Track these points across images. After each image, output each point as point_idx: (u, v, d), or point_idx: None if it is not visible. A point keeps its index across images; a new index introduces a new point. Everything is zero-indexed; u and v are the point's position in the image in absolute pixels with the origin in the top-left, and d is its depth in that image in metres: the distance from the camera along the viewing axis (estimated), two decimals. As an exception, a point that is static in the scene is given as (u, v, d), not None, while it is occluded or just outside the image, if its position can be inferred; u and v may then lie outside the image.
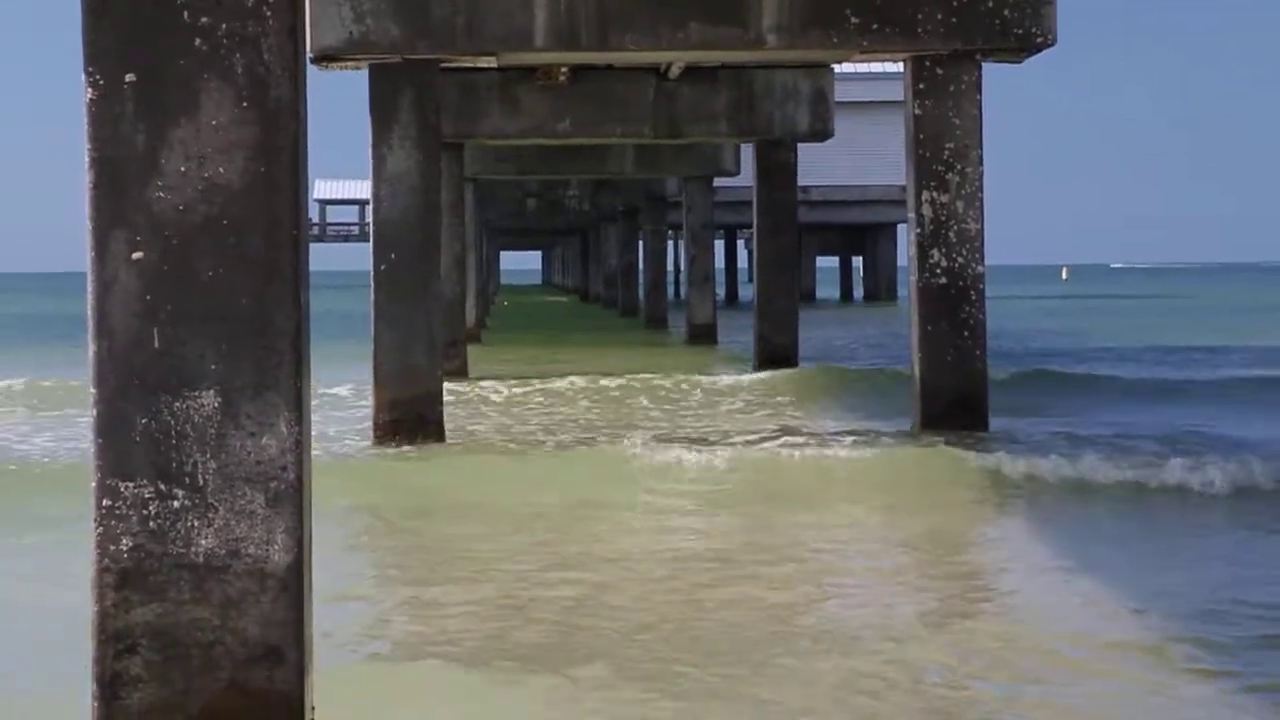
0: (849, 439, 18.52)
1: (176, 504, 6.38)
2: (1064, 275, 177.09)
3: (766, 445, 18.34)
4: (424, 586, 11.45)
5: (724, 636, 9.70)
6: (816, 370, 29.00)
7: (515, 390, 26.37)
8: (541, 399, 25.37)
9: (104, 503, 6.36)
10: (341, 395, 25.75)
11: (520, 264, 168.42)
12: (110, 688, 6.36)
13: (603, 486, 15.93)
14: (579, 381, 27.45)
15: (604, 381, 27.44)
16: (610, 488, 15.90)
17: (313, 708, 6.65)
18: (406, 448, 18.52)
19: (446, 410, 19.72)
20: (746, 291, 57.10)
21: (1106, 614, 10.14)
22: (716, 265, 46.60)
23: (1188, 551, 12.81)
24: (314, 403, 15.24)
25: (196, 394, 6.38)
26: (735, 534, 13.70)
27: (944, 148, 18.65)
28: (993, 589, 11.48)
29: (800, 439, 18.98)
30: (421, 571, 12.18)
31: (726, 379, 27.67)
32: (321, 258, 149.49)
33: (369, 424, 19.31)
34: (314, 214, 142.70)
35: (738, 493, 15.74)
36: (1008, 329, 48.52)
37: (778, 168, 30.26)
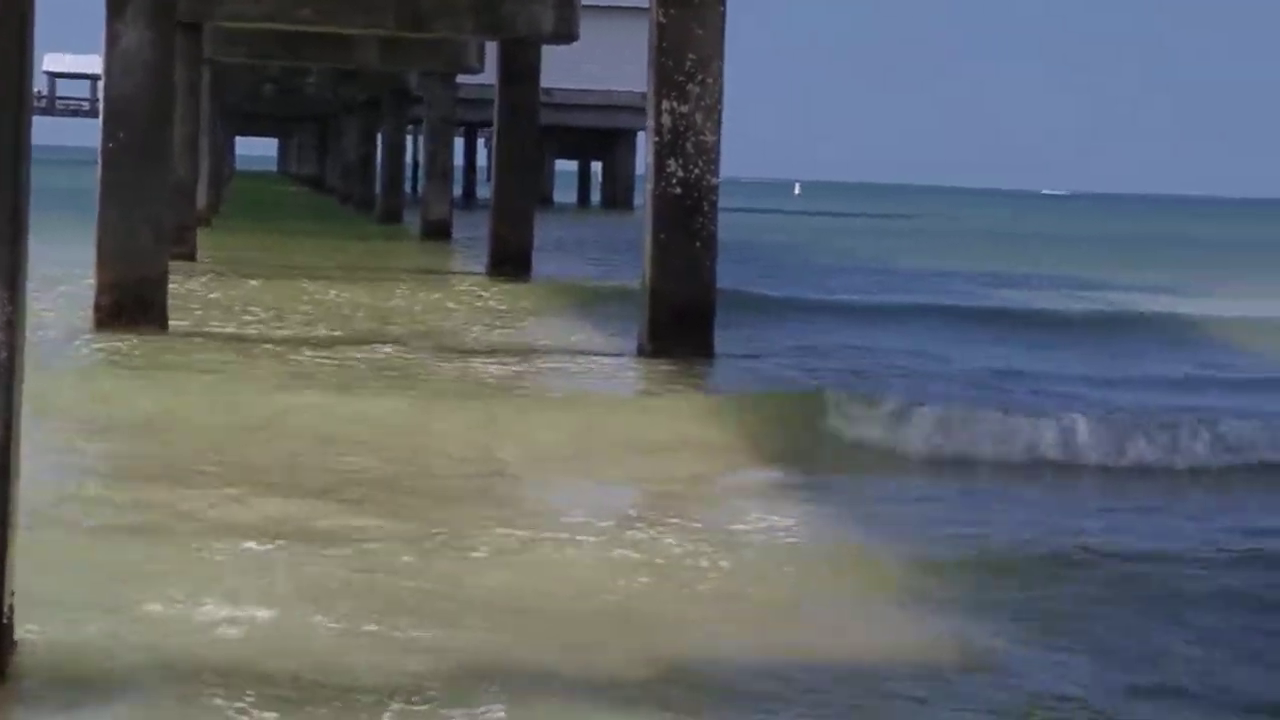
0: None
1: (-122, 378, 6.17)
2: (796, 190, 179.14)
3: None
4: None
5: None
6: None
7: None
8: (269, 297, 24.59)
9: None
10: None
11: (256, 150, 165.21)
12: None
13: None
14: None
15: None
16: None
17: (13, 593, 6.52)
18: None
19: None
20: (484, 191, 56.83)
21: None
22: (455, 163, 46.32)
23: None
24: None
25: (-96, 266, 6.17)
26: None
27: (686, 58, 18.62)
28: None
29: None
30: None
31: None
32: (50, 132, 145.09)
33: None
34: (43, 86, 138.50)
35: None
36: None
37: (521, 68, 30.13)
